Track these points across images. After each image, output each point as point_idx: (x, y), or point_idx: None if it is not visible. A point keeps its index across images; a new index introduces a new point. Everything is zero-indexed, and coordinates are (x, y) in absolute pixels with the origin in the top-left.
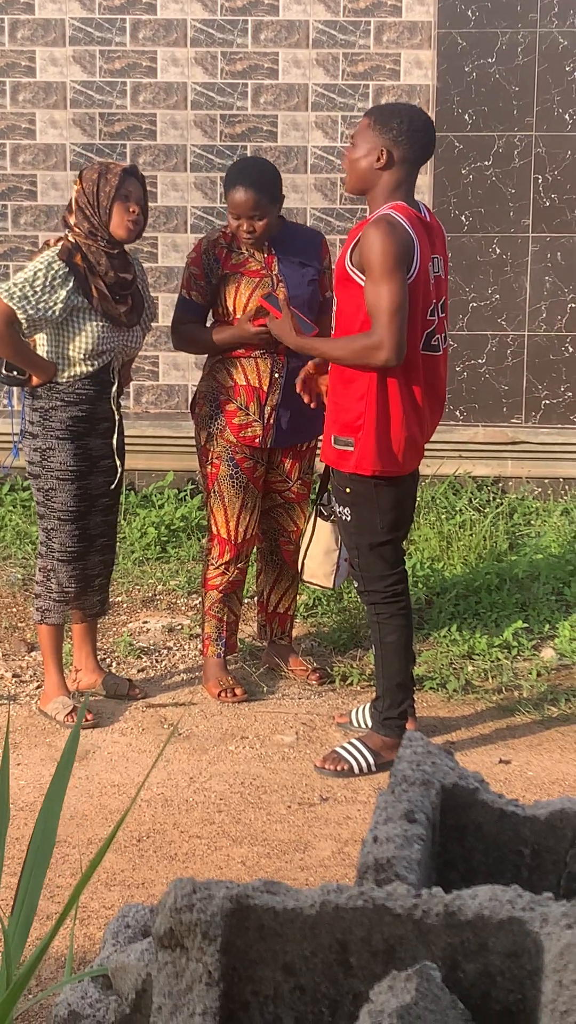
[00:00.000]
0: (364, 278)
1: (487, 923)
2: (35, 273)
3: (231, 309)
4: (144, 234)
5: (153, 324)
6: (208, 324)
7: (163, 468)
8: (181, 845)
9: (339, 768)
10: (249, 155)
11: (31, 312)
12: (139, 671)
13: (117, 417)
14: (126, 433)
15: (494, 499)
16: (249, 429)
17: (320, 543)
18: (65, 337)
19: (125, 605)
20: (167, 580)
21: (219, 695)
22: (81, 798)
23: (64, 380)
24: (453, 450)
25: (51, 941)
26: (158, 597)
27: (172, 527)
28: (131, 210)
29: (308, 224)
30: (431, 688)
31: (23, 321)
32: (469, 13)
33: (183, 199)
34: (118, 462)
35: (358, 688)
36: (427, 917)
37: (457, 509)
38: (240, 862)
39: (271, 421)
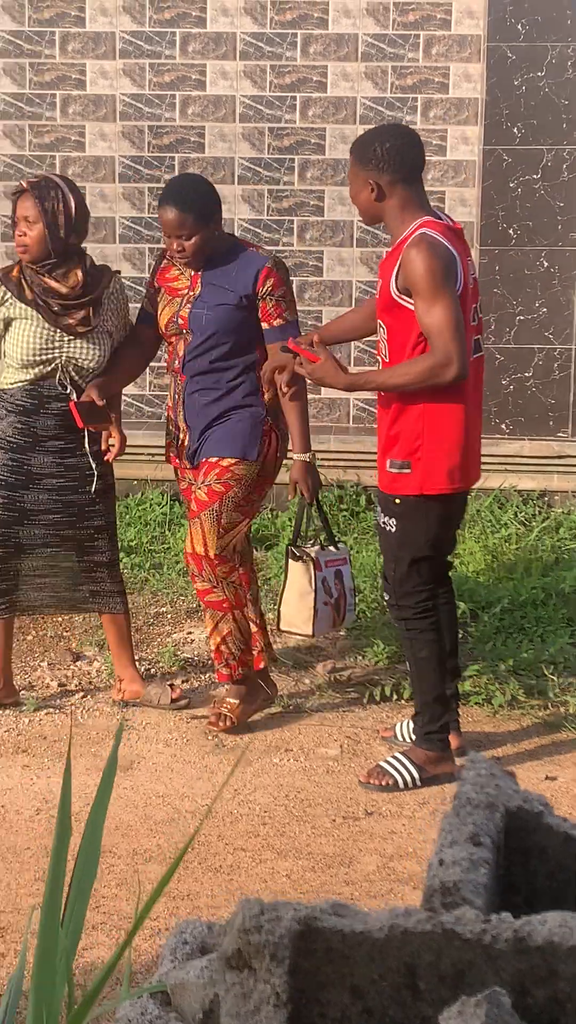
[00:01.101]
0: (412, 301)
1: (557, 949)
2: None
3: (161, 323)
4: None
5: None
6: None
7: None
8: (226, 857)
9: (384, 783)
10: (188, 172)
11: None
12: (183, 682)
13: (85, 437)
14: (163, 443)
15: (540, 513)
16: (171, 449)
17: (294, 587)
18: (7, 343)
19: (169, 616)
20: None
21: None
22: (126, 808)
23: (6, 387)
24: (499, 463)
25: (119, 958)
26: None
27: None
28: (19, 233)
29: (355, 236)
30: (476, 703)
31: None
32: (519, 27)
33: (230, 211)
34: (95, 477)
35: (403, 702)
36: (496, 943)
37: (502, 523)
38: (285, 875)
39: (184, 440)
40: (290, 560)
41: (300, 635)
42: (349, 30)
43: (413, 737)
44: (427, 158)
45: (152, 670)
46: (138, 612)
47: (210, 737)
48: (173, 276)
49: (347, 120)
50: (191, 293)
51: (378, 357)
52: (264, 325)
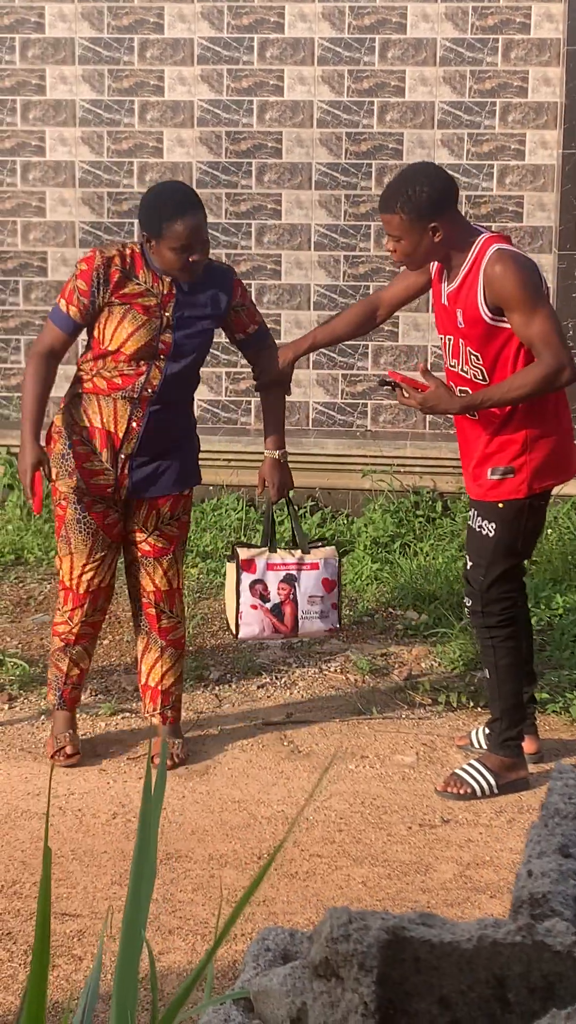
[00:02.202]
0: (505, 318)
1: None
2: None
3: (109, 339)
4: (268, 250)
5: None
6: (75, 348)
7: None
8: (302, 864)
9: (462, 791)
10: (170, 180)
11: None
12: (258, 687)
13: None
14: (245, 449)
15: None
16: (101, 477)
17: (227, 586)
18: None
19: None
20: None
21: (52, 757)
22: (202, 813)
23: None
24: None
25: (206, 966)
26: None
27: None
28: None
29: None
30: (553, 711)
31: None
32: None
33: (307, 216)
34: None
35: (479, 710)
36: None
37: None
38: (361, 882)
39: (125, 471)
40: (227, 560)
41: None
42: (427, 35)
43: (486, 744)
44: (507, 163)
45: (228, 676)
46: (213, 618)
47: (286, 743)
48: (136, 291)
49: (425, 125)
50: (167, 315)
51: (468, 378)
52: (239, 335)
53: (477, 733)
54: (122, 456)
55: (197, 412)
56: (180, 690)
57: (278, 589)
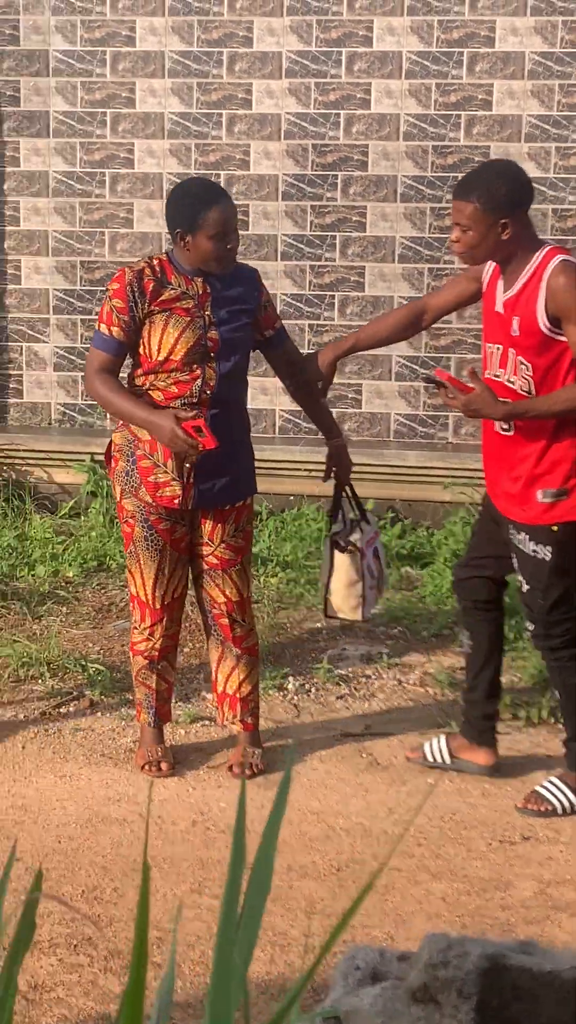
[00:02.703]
0: (562, 330)
1: None
2: None
3: (156, 349)
4: (352, 262)
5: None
6: (128, 368)
7: (364, 495)
8: (380, 877)
9: (543, 809)
10: (192, 177)
11: None
12: (338, 698)
13: None
14: (323, 460)
15: None
16: (167, 488)
17: (341, 577)
18: None
19: (324, 632)
20: None
21: (143, 768)
22: (281, 824)
23: None
24: None
25: (305, 985)
26: (357, 625)
27: None
28: None
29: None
30: None
31: None
32: None
33: (392, 229)
34: None
35: (560, 726)
36: None
37: None
38: (440, 898)
39: (190, 480)
40: (335, 552)
41: (350, 620)
42: (516, 48)
43: (444, 757)
44: None
45: (307, 686)
46: (293, 627)
47: (364, 755)
48: (173, 296)
49: (512, 139)
50: (207, 314)
51: (513, 389)
52: (267, 332)
53: (431, 746)
54: (187, 466)
55: (279, 423)
56: (257, 697)
57: (374, 564)
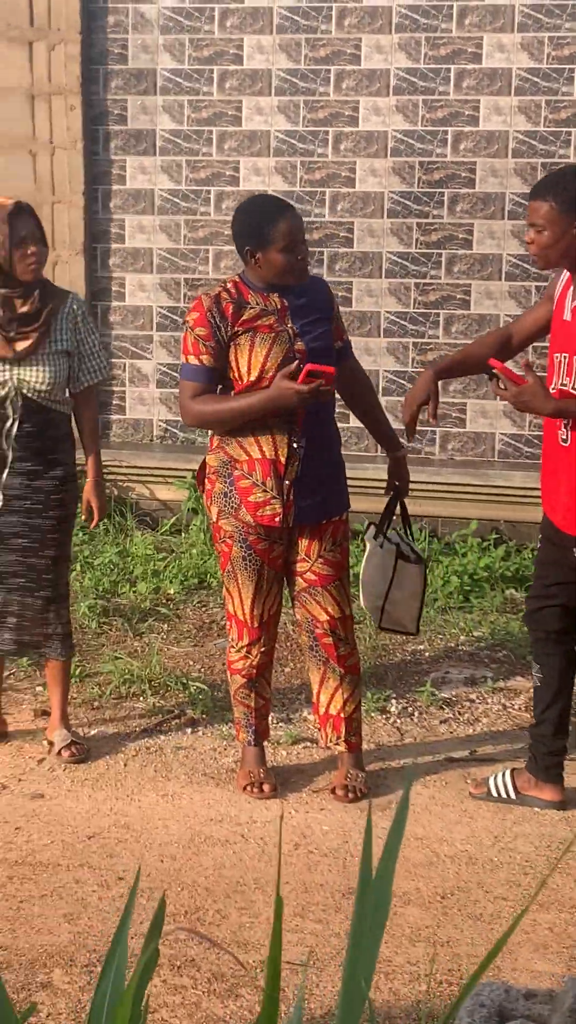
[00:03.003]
0: None
1: None
2: None
3: (246, 371)
4: (457, 279)
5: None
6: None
7: (467, 516)
8: (486, 906)
9: None
10: (253, 195)
11: None
12: (441, 722)
13: (9, 456)
14: (429, 480)
15: None
16: (268, 507)
17: (406, 588)
18: None
19: (427, 654)
20: (470, 630)
21: (244, 788)
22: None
23: None
24: None
25: (453, 1017)
26: (460, 648)
27: (475, 576)
28: (29, 252)
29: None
30: None
31: None
32: None
33: (499, 247)
34: (39, 498)
35: None
36: None
37: None
38: (547, 928)
39: (290, 498)
40: (400, 561)
41: (402, 633)
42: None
43: (511, 792)
44: None
45: (410, 709)
46: (395, 649)
47: (469, 781)
48: (254, 314)
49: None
50: (289, 326)
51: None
52: (337, 343)
53: (496, 780)
54: (287, 483)
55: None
56: (360, 717)
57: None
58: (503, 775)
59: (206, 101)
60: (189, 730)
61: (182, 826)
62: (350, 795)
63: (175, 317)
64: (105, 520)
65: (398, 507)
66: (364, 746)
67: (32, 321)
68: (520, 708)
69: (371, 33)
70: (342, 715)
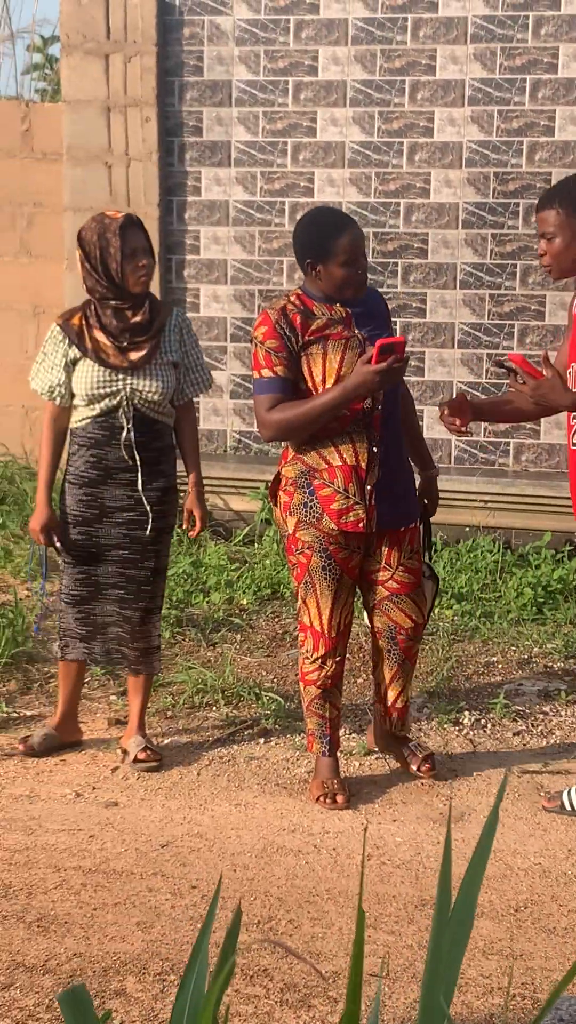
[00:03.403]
0: None
1: None
2: (42, 351)
3: (321, 379)
4: (532, 291)
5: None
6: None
7: (541, 528)
8: (560, 919)
9: None
10: (315, 207)
11: (50, 385)
12: (514, 734)
13: (137, 464)
14: (503, 491)
15: None
16: (351, 514)
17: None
18: (72, 384)
19: (500, 666)
20: (543, 643)
21: (318, 799)
22: (457, 861)
23: (77, 425)
24: None
25: None
26: (534, 660)
27: (549, 588)
28: (140, 265)
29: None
30: None
31: (56, 397)
32: None
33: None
34: (148, 509)
35: None
36: None
37: None
38: None
39: (372, 502)
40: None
41: None
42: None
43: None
44: None
45: (483, 721)
46: (468, 661)
47: (543, 794)
48: (322, 324)
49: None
50: (357, 332)
51: None
52: None
53: (570, 793)
54: (368, 487)
55: (455, 452)
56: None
57: None
58: (573, 788)
59: (281, 112)
60: (262, 740)
61: (255, 836)
62: (426, 765)
63: (249, 328)
64: (179, 530)
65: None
66: (438, 757)
67: (144, 332)
68: None
69: (446, 44)
70: (405, 705)
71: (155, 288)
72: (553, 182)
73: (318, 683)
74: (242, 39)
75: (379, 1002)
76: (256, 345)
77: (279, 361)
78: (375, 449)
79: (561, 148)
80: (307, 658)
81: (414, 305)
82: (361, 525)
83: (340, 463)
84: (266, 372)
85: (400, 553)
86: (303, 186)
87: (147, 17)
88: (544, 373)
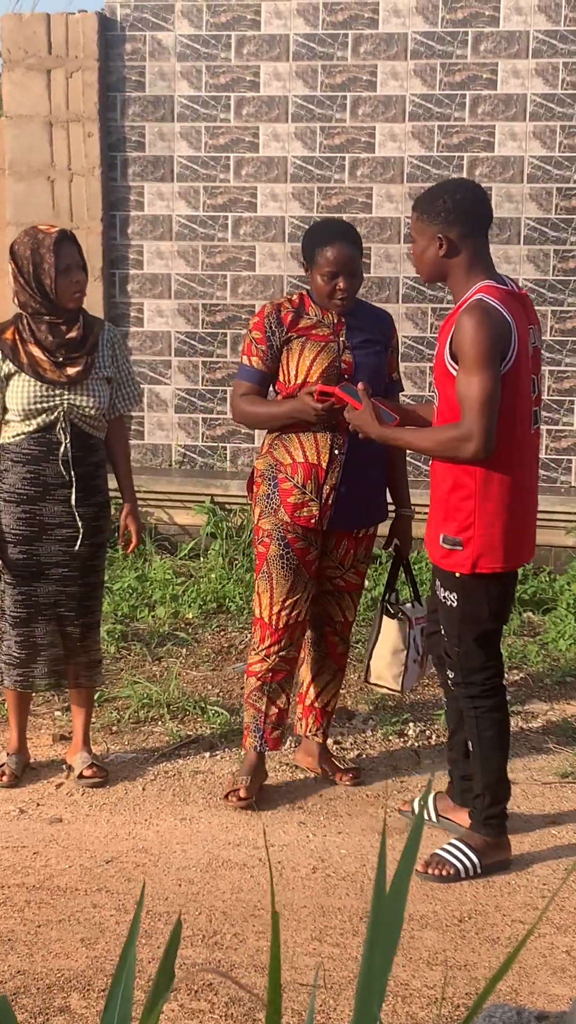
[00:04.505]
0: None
1: None
2: None
3: (293, 374)
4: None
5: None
6: (269, 396)
7: None
8: (503, 929)
9: (444, 872)
10: (331, 217)
11: None
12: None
13: (72, 480)
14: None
15: None
16: (305, 509)
17: (387, 643)
18: (4, 399)
19: None
20: None
21: (226, 796)
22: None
23: (10, 440)
24: None
25: None
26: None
27: None
28: (75, 281)
29: (400, 292)
30: None
31: None
32: None
33: (517, 270)
34: (79, 525)
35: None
36: None
37: None
38: (564, 951)
39: (328, 501)
40: (385, 617)
41: (387, 689)
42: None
43: (433, 816)
44: None
45: (427, 732)
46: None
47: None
48: (309, 324)
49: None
50: (342, 339)
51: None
52: (393, 375)
53: (418, 802)
54: (326, 488)
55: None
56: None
57: (421, 642)
58: (431, 799)
59: (223, 128)
60: (207, 754)
61: (200, 850)
62: (347, 776)
63: (193, 343)
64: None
65: (404, 571)
66: (383, 771)
67: (79, 347)
68: (537, 731)
69: (386, 59)
70: (328, 709)
71: (98, 302)
72: (493, 198)
73: (259, 675)
74: (184, 55)
75: (313, 1012)
76: (247, 333)
77: (257, 352)
78: (336, 452)
79: (501, 163)
80: (254, 649)
81: None
82: (313, 521)
83: (303, 460)
84: (246, 360)
85: (355, 556)
86: (246, 201)
87: (88, 33)
88: (361, 404)
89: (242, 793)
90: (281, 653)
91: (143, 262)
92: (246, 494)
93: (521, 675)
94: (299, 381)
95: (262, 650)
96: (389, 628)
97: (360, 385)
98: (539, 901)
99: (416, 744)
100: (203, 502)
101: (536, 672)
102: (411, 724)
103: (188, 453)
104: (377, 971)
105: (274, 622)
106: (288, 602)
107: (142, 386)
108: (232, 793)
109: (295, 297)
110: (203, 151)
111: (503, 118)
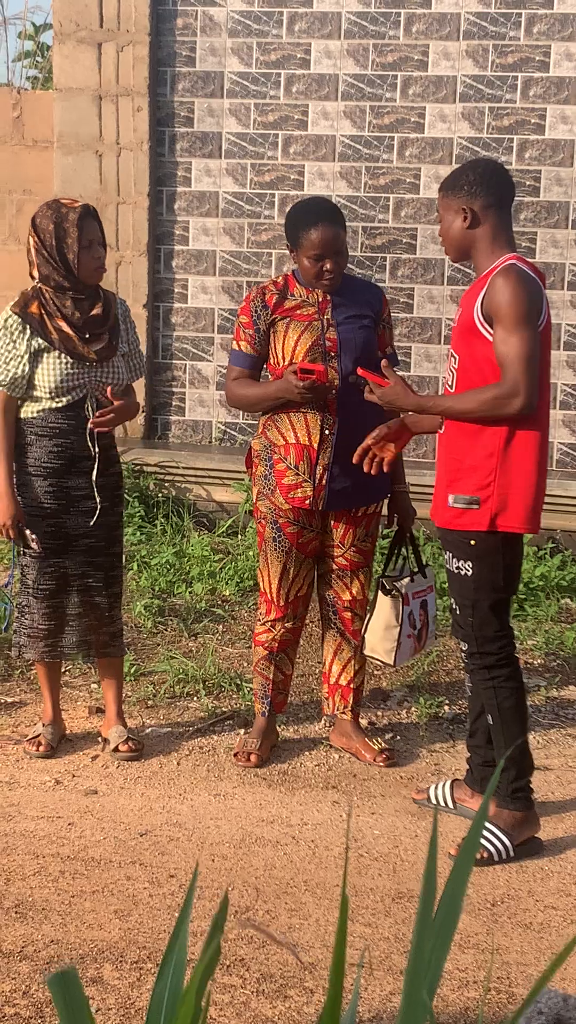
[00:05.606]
0: (492, 330)
1: None
2: None
3: (281, 355)
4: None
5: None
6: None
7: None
8: (536, 914)
9: (477, 856)
10: (314, 196)
11: (12, 376)
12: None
13: (95, 453)
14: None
15: None
16: (299, 490)
17: (381, 618)
18: (33, 375)
19: None
20: (524, 639)
21: (235, 755)
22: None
23: (35, 414)
24: None
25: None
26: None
27: (531, 585)
28: (95, 257)
29: (446, 274)
30: None
31: (16, 389)
32: None
33: (562, 256)
34: (97, 499)
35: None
36: None
37: None
38: None
39: (322, 482)
40: (379, 593)
41: (382, 663)
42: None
43: (449, 801)
44: None
45: (462, 715)
46: (448, 656)
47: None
48: (294, 304)
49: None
50: (327, 317)
51: (445, 386)
52: (386, 350)
53: (438, 789)
54: (319, 468)
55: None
56: (363, 690)
57: (419, 616)
58: (443, 785)
59: (272, 105)
60: (242, 731)
61: (233, 826)
62: (382, 756)
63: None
64: (162, 520)
65: (407, 543)
66: (421, 753)
67: (103, 324)
68: (573, 717)
69: (439, 40)
70: (352, 686)
71: (143, 278)
72: (542, 180)
73: (265, 644)
74: (235, 31)
75: (358, 994)
76: (236, 319)
77: (245, 337)
78: (327, 432)
79: (551, 146)
80: (259, 620)
81: (401, 300)
82: (307, 502)
83: (295, 441)
84: (235, 345)
85: (355, 535)
86: (293, 179)
87: (140, 7)
88: (389, 380)
89: (253, 759)
90: (287, 624)
91: (188, 238)
92: (245, 470)
93: (557, 661)
94: (286, 362)
95: (267, 622)
96: (383, 604)
97: (383, 362)
98: (572, 887)
99: (450, 727)
100: (242, 480)
101: (572, 659)
102: (446, 706)
103: (228, 431)
104: (429, 961)
105: (275, 599)
106: (285, 581)
107: (184, 362)
108: (240, 754)
109: (279, 279)
110: (252, 128)
111: (555, 101)
